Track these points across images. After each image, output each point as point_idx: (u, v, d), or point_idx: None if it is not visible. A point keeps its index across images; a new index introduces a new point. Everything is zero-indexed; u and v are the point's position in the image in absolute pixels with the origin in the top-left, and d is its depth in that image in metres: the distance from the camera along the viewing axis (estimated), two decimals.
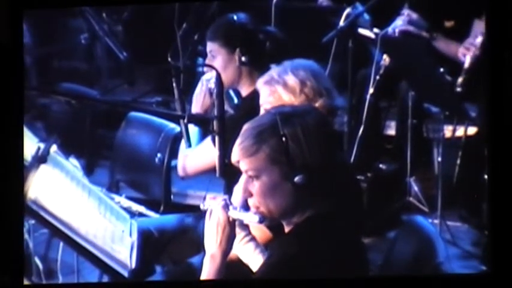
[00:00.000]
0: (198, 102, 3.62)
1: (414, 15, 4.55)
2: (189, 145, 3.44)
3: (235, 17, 3.71)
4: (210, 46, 3.70)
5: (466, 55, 4.30)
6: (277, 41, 3.85)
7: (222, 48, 3.67)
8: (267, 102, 3.08)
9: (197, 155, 3.55)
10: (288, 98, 3.03)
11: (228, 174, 3.09)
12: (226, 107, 3.66)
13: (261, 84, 3.12)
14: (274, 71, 3.12)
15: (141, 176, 4.16)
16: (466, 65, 4.29)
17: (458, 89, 4.27)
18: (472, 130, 4.49)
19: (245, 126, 2.63)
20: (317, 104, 3.00)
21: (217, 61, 3.64)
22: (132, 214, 3.64)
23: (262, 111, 3.09)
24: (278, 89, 3.06)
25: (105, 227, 3.24)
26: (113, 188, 4.18)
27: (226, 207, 2.72)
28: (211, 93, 3.58)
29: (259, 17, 3.96)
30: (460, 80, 4.29)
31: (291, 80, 3.05)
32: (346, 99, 4.64)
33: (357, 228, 2.83)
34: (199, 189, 4.33)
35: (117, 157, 4.29)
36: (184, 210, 3.87)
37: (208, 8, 4.81)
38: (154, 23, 5.43)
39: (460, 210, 4.48)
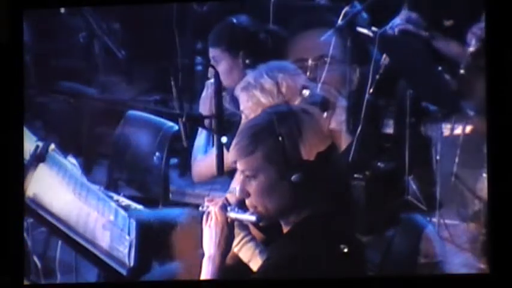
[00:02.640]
0: (206, 105, 3.60)
1: (413, 14, 4.54)
2: (187, 143, 3.44)
3: (234, 20, 3.70)
4: (213, 52, 3.70)
5: (472, 39, 4.28)
6: (278, 39, 3.84)
7: (225, 53, 3.67)
8: (246, 107, 3.10)
9: (204, 161, 3.54)
10: (266, 101, 3.04)
11: (232, 174, 3.09)
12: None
13: (238, 91, 3.14)
14: (250, 76, 3.13)
15: (140, 175, 4.16)
16: (472, 48, 4.27)
17: (456, 87, 4.27)
18: (470, 128, 4.49)
19: (241, 127, 2.63)
20: (296, 102, 3.01)
21: (221, 66, 3.64)
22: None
23: (243, 118, 3.11)
24: (256, 94, 3.07)
25: (104, 225, 3.23)
26: (111, 186, 4.17)
27: (224, 208, 2.71)
28: None
29: (258, 16, 3.95)
30: (465, 62, 4.27)
31: (267, 82, 3.06)
32: (344, 98, 4.65)
33: (354, 227, 2.84)
34: (197, 187, 4.32)
35: (116, 156, 4.29)
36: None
37: (206, 7, 4.80)
38: (153, 21, 5.42)
39: (458, 209, 4.47)
